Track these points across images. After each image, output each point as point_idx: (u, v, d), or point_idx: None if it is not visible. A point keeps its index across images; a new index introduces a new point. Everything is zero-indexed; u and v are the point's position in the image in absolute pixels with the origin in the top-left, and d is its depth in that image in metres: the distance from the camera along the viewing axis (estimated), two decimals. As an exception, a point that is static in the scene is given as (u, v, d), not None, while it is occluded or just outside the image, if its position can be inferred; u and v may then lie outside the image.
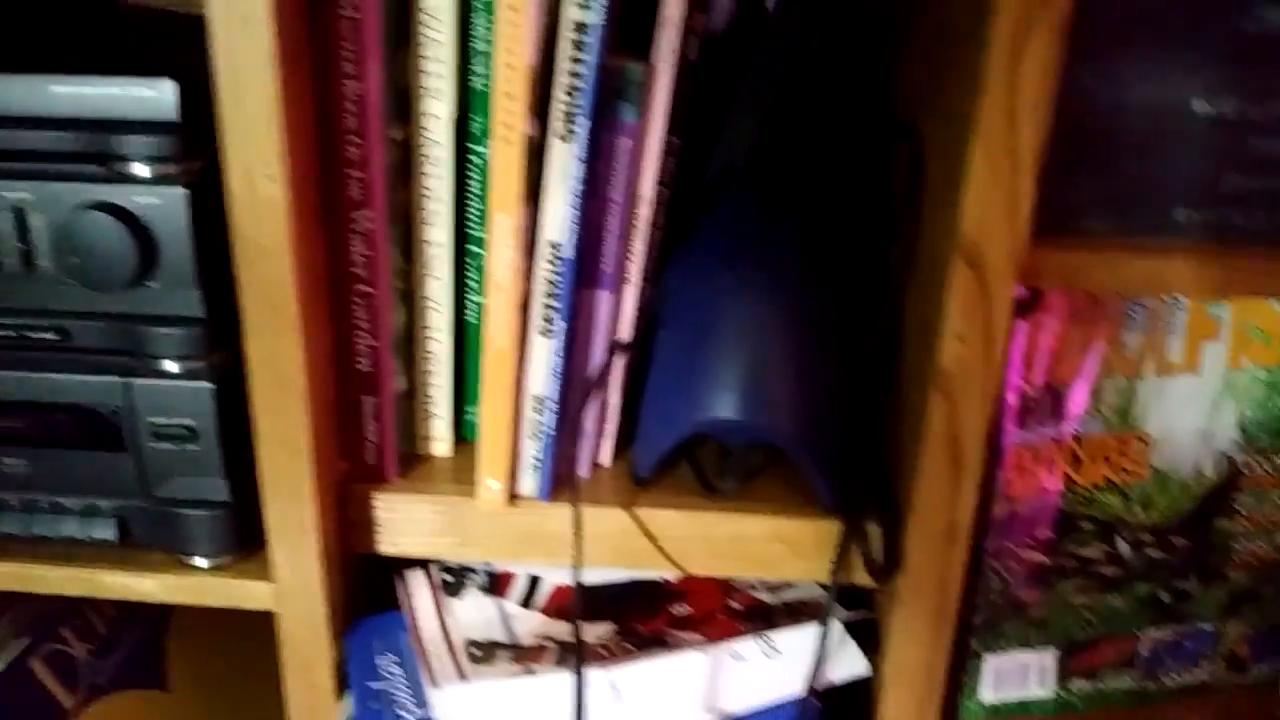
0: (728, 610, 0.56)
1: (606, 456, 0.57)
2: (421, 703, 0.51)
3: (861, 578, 0.53)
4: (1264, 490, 0.60)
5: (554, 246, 0.49)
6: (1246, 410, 0.59)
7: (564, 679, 0.49)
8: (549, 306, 0.50)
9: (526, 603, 0.56)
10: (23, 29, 0.63)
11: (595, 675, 0.51)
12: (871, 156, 0.61)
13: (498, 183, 0.47)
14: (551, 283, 0.49)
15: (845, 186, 0.63)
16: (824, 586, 0.54)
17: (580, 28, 0.45)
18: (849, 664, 0.54)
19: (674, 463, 0.56)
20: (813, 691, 0.52)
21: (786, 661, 0.53)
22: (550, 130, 0.47)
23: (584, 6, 0.45)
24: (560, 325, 0.50)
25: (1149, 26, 0.43)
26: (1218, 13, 0.42)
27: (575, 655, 0.50)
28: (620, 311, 0.53)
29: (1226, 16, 0.42)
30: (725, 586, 0.58)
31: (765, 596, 0.57)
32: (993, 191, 0.42)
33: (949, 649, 0.50)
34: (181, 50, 0.48)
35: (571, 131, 0.46)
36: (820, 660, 0.52)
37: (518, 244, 0.48)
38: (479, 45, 0.49)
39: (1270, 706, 0.63)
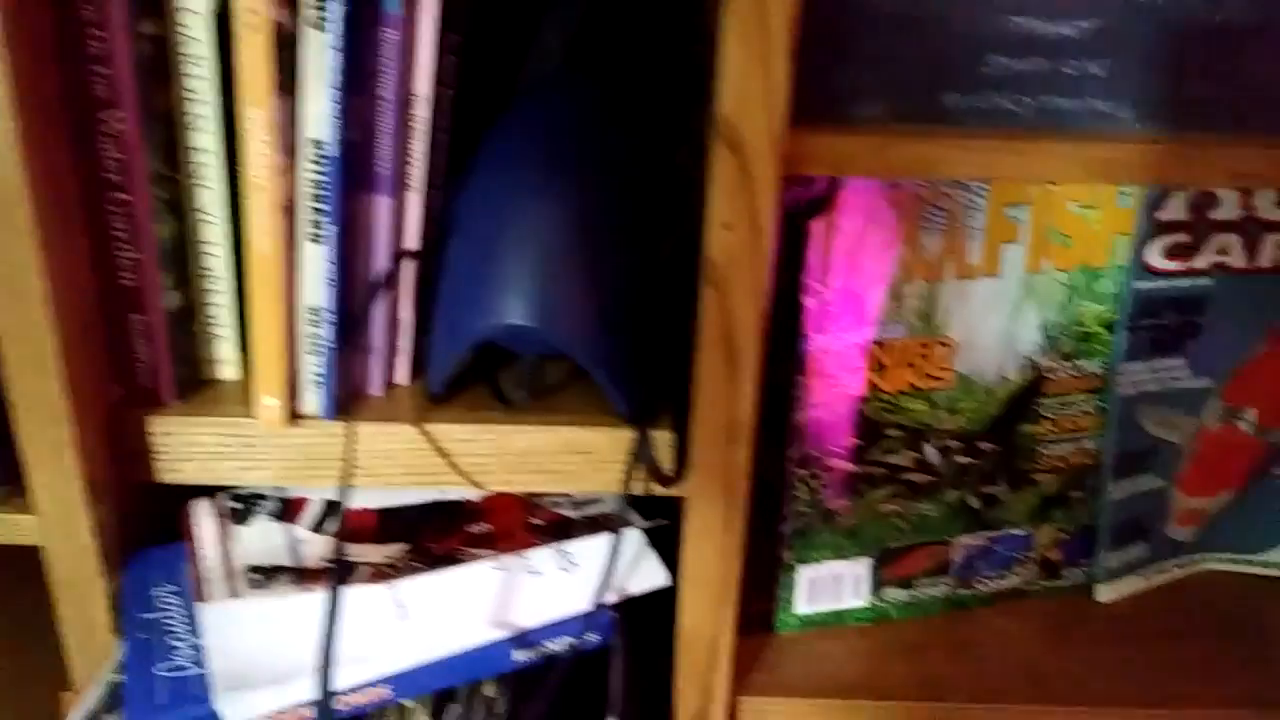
0: (529, 527, 0.55)
1: (403, 375, 0.55)
2: (195, 631, 0.49)
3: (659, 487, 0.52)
4: (1068, 394, 0.61)
5: (316, 144, 0.46)
6: (1048, 314, 0.59)
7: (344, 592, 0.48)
8: (317, 209, 0.47)
9: (319, 528, 0.54)
10: None
11: (379, 592, 0.49)
12: (680, 58, 0.60)
13: (246, 74, 0.44)
14: (317, 183, 0.47)
15: (656, 89, 0.62)
16: (619, 498, 0.53)
17: (322, -96, 0.42)
18: (648, 575, 0.53)
19: (470, 380, 0.55)
20: (610, 602, 0.51)
21: (585, 574, 0.52)
22: (301, 18, 0.45)
23: (327, -119, 0.42)
24: (331, 230, 0.48)
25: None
26: (971, -113, 0.42)
27: (349, 574, 0.49)
28: (403, 218, 0.51)
29: (981, -108, 0.42)
30: (528, 504, 0.56)
31: (569, 512, 0.56)
32: (748, 73, 0.41)
33: (741, 552, 0.50)
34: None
35: (323, 19, 0.44)
36: (613, 571, 0.51)
37: (274, 140, 0.45)
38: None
39: (1084, 609, 0.64)
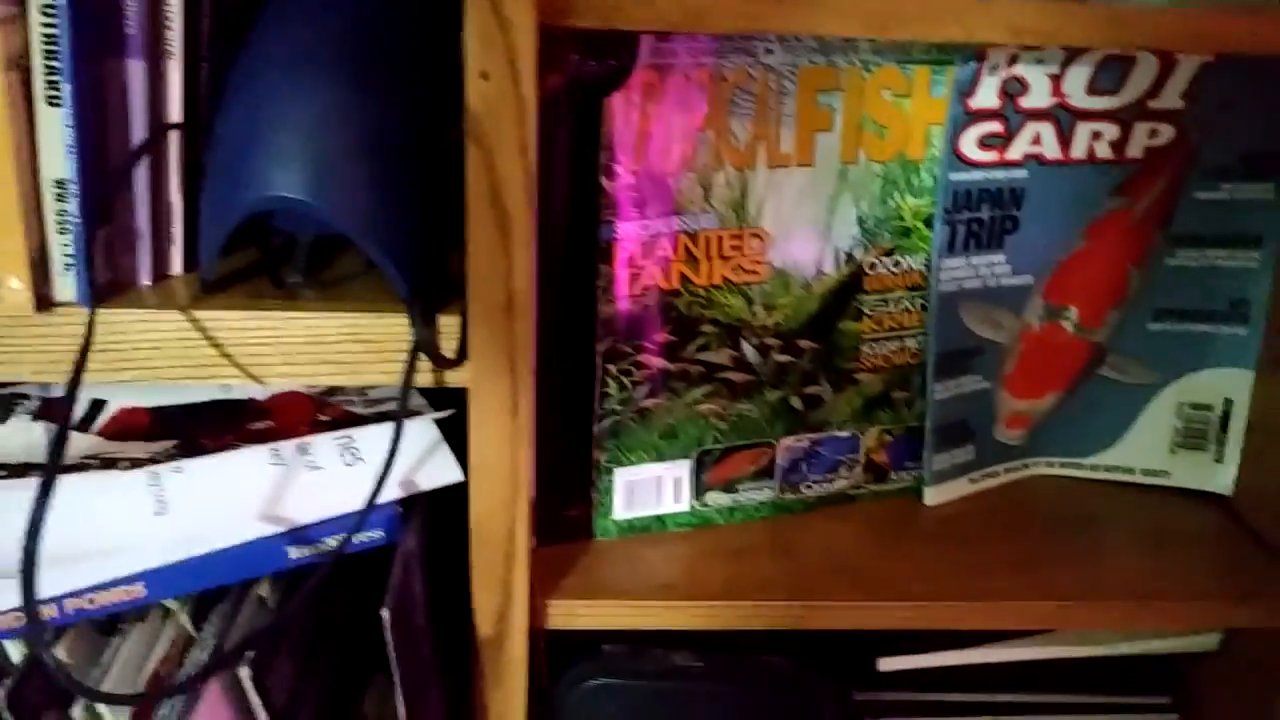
0: (315, 424, 0.52)
1: (177, 266, 0.51)
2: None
3: (453, 376, 0.50)
4: (889, 290, 0.60)
5: (43, -5, 0.43)
6: (865, 206, 0.58)
7: (81, 487, 0.44)
8: (51, 68, 0.44)
9: (86, 426, 0.51)
10: None
11: (133, 480, 0.46)
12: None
13: (-46, -92, 0.41)
14: (49, 38, 0.43)
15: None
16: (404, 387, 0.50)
17: None
18: (441, 469, 0.50)
19: (249, 269, 0.52)
20: (396, 497, 0.49)
21: (371, 468, 0.50)
22: None
23: None
24: (69, 90, 0.44)
25: None
26: None
27: (115, 467, 0.45)
28: (162, 87, 0.47)
29: None
30: (317, 402, 0.53)
31: (361, 409, 0.53)
32: (491, -99, 0.38)
33: (528, 438, 0.48)
34: None
35: None
36: (395, 463, 0.48)
37: (-6, -14, 0.42)
38: None
39: (911, 512, 0.64)
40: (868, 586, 0.57)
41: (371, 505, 0.47)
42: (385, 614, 0.45)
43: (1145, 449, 0.65)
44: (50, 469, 0.41)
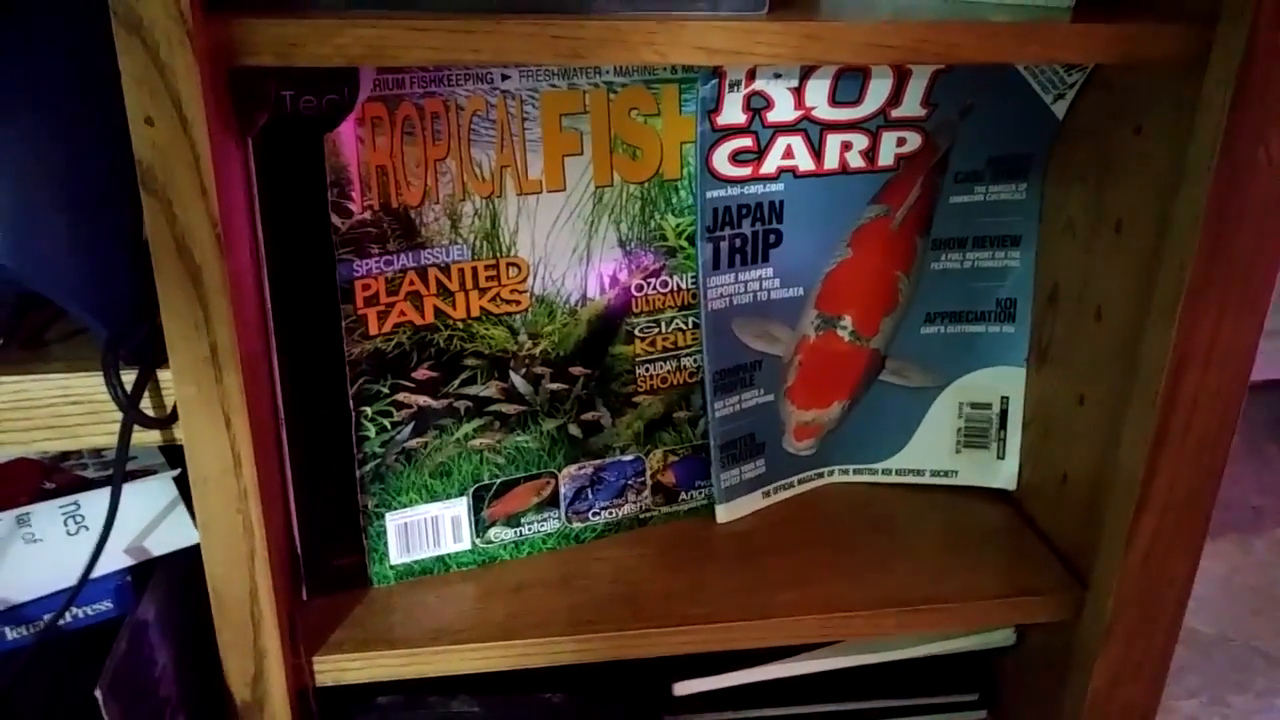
0: (39, 493, 0.49)
1: (-124, 333, 0.48)
2: None
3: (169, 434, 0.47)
4: (658, 311, 0.60)
5: None
6: (625, 228, 0.58)
7: None
8: None
9: None
10: None
11: None
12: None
13: None
14: None
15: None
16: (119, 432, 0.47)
17: None
18: (176, 532, 0.48)
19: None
20: (125, 565, 0.46)
21: (96, 535, 0.47)
22: None
23: None
24: None
25: None
26: None
27: None
28: None
29: None
30: (46, 468, 0.51)
31: (92, 472, 0.50)
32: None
33: (258, 497, 0.46)
34: None
35: None
36: (110, 526, 0.45)
37: None
38: None
39: (703, 532, 0.63)
40: (648, 613, 0.56)
41: (85, 578, 0.44)
42: (98, 693, 0.42)
43: (932, 450, 0.66)
44: None
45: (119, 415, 0.46)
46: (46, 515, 0.46)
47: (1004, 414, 0.65)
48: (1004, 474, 0.65)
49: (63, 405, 0.46)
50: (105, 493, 0.48)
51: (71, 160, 0.45)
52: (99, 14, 0.39)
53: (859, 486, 0.67)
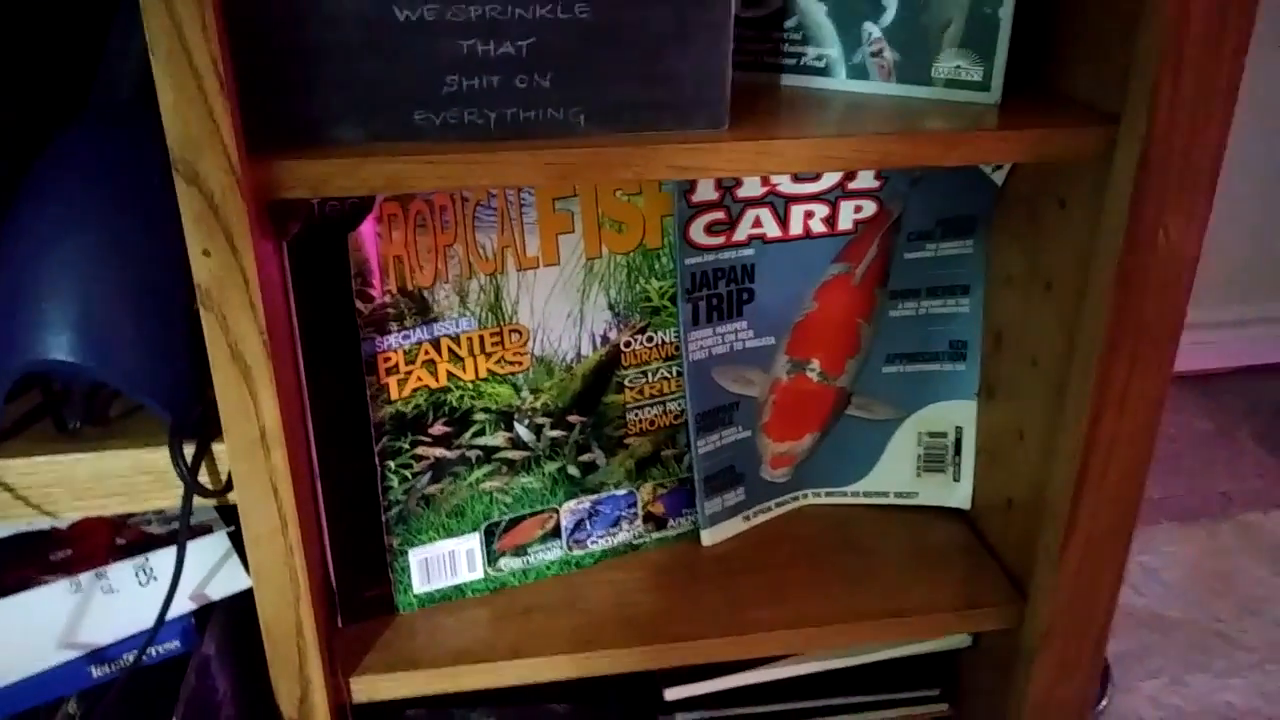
0: (111, 549, 0.57)
1: (-32, 414, 0.56)
2: None
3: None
4: (646, 363, 0.67)
5: None
6: (614, 292, 0.65)
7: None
8: None
9: (-107, 573, 0.55)
10: None
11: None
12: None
13: None
14: None
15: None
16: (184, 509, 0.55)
17: None
18: (230, 579, 0.56)
19: (35, 412, 0.56)
20: (189, 609, 0.54)
21: (165, 584, 0.55)
22: None
23: None
24: None
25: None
26: (394, -77, 0.46)
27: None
28: (-71, 263, 0.52)
29: (403, -74, 0.46)
30: (115, 525, 0.58)
31: (156, 528, 0.58)
32: (187, 112, 0.43)
33: (302, 548, 0.53)
34: None
35: None
36: (178, 578, 0.53)
37: None
38: None
39: (690, 554, 0.71)
40: (641, 632, 0.64)
41: (160, 623, 0.52)
42: (176, 722, 0.50)
43: (895, 474, 0.74)
44: None
45: (181, 483, 0.54)
46: (121, 571, 0.54)
47: (959, 441, 0.72)
48: (959, 495, 0.73)
49: (134, 475, 0.54)
50: (171, 550, 0.56)
51: (138, 273, 0.52)
52: (162, 156, 0.46)
53: (830, 508, 0.74)
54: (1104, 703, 1.03)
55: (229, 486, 0.53)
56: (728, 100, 0.51)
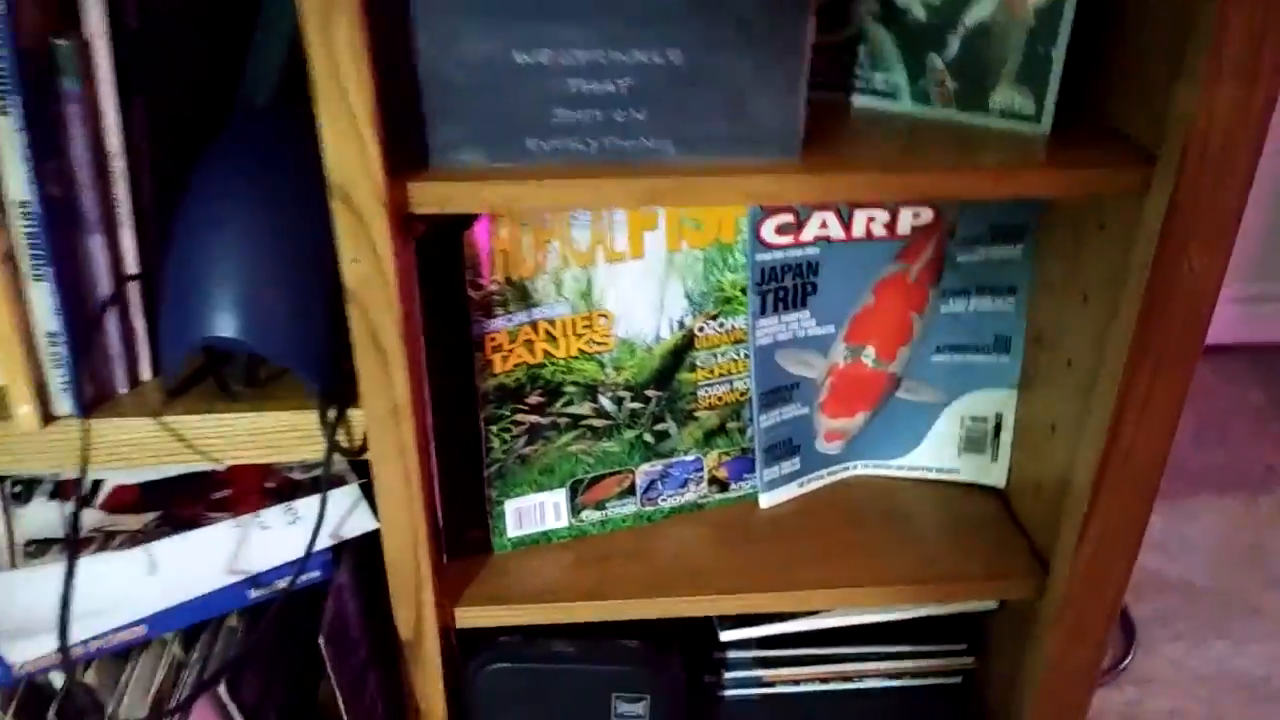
0: (263, 490, 0.67)
1: (146, 372, 0.66)
2: (-15, 595, 0.61)
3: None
4: (715, 346, 0.75)
5: (22, 205, 0.56)
6: (690, 283, 0.72)
7: (94, 562, 0.60)
8: (34, 255, 0.57)
9: (89, 502, 0.66)
10: None
11: (133, 554, 0.61)
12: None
13: (-48, 155, 0.54)
14: (29, 235, 0.57)
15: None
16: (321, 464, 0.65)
17: (-10, 17, 0.51)
18: (360, 521, 0.66)
19: (204, 371, 0.66)
20: (326, 545, 0.65)
21: (307, 524, 0.65)
22: (-8, 106, 0.54)
23: (-8, -3, 0.51)
24: (48, 270, 0.58)
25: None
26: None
27: (114, 541, 0.61)
28: (119, 250, 0.61)
29: (526, -16, 0.53)
30: (264, 470, 0.69)
31: (298, 475, 0.68)
32: (343, 142, 0.52)
33: (422, 499, 0.63)
34: None
35: (5, 109, 0.53)
36: (324, 520, 0.64)
37: (-15, 205, 0.55)
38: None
39: (749, 515, 0.79)
40: (703, 580, 0.73)
41: (308, 555, 0.63)
42: (321, 640, 0.61)
43: (938, 452, 0.81)
44: (71, 549, 0.57)
45: (320, 439, 0.64)
46: (273, 514, 0.65)
47: (998, 426, 0.79)
48: (995, 474, 0.80)
49: (283, 432, 0.64)
50: (312, 497, 0.66)
51: (290, 261, 0.61)
52: (307, 160, 0.54)
53: (877, 479, 0.82)
54: (1127, 661, 1.11)
55: (364, 448, 0.63)
56: (801, 134, 0.57)
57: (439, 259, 0.65)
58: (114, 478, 0.68)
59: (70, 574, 0.57)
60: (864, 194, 0.58)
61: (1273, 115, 0.54)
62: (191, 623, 0.63)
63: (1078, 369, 0.69)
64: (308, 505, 0.65)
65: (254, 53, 0.71)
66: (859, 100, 0.67)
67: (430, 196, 0.55)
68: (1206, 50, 0.53)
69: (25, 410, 0.62)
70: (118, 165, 0.60)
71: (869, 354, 0.78)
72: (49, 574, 0.61)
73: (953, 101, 0.64)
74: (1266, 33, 0.53)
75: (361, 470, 0.69)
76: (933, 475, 0.82)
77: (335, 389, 0.64)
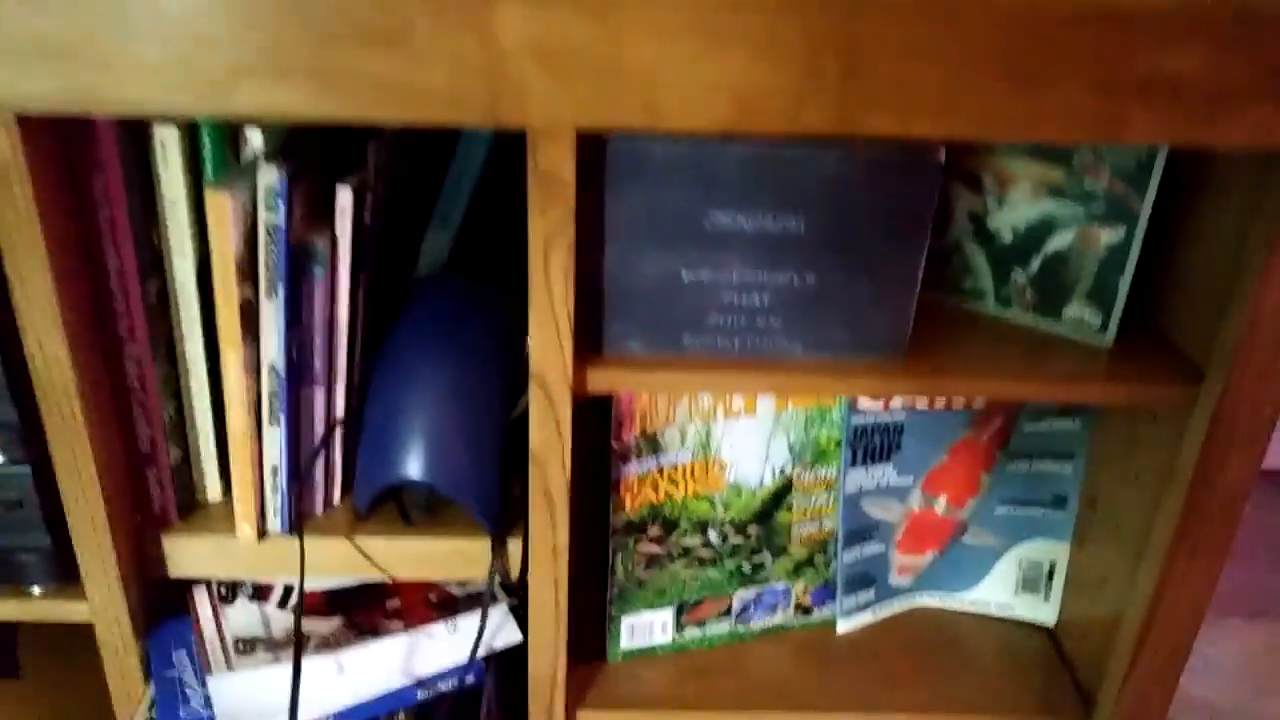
0: (427, 602, 0.79)
1: (336, 498, 0.78)
2: (203, 683, 0.72)
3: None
4: (810, 491, 0.86)
5: (272, 367, 0.69)
6: (793, 437, 0.84)
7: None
8: (274, 406, 0.70)
9: (283, 605, 0.78)
10: None
11: (323, 659, 0.73)
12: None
13: (224, 329, 0.67)
14: (273, 392, 0.69)
15: (515, 283, 0.84)
16: (485, 586, 0.77)
17: (272, 228, 0.64)
18: (508, 635, 0.77)
19: (385, 500, 0.78)
20: (481, 655, 0.76)
21: (465, 636, 0.76)
22: (261, 291, 0.67)
23: (272, 210, 0.64)
24: (282, 417, 0.70)
25: (649, 228, 0.66)
26: (690, 218, 0.65)
27: (309, 644, 0.72)
28: (332, 399, 0.74)
29: (696, 220, 0.65)
30: (428, 585, 0.80)
31: (455, 590, 0.80)
32: (547, 340, 0.64)
33: (565, 621, 0.74)
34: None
35: (274, 293, 0.66)
36: (482, 635, 0.75)
37: (241, 367, 0.68)
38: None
39: (827, 639, 0.90)
40: (790, 697, 0.84)
41: (471, 662, 0.74)
42: (479, 737, 0.72)
43: (997, 590, 0.91)
44: (296, 655, 0.68)
45: (484, 564, 0.75)
46: (439, 626, 0.76)
47: (1051, 572, 0.89)
48: (1046, 613, 0.90)
49: (453, 556, 0.76)
50: (470, 613, 0.77)
51: (469, 413, 0.73)
52: (486, 320, 0.66)
53: (941, 612, 0.93)
54: (1156, 778, 1.19)
55: (523, 576, 0.74)
56: (908, 339, 0.69)
57: (594, 420, 0.78)
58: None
59: (297, 676, 0.69)
60: (952, 393, 0.69)
61: (1300, 357, 0.65)
62: (369, 716, 0.74)
63: (1127, 535, 0.80)
64: (467, 619, 0.77)
65: (430, 233, 0.84)
66: (950, 300, 0.79)
67: (604, 380, 0.67)
68: (1255, 280, 0.64)
69: (247, 529, 0.74)
70: (342, 331, 0.72)
71: (941, 503, 0.89)
72: (271, 674, 0.72)
73: (1031, 308, 0.76)
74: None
75: (508, 590, 0.81)
76: (991, 610, 0.92)
77: (501, 525, 0.76)
